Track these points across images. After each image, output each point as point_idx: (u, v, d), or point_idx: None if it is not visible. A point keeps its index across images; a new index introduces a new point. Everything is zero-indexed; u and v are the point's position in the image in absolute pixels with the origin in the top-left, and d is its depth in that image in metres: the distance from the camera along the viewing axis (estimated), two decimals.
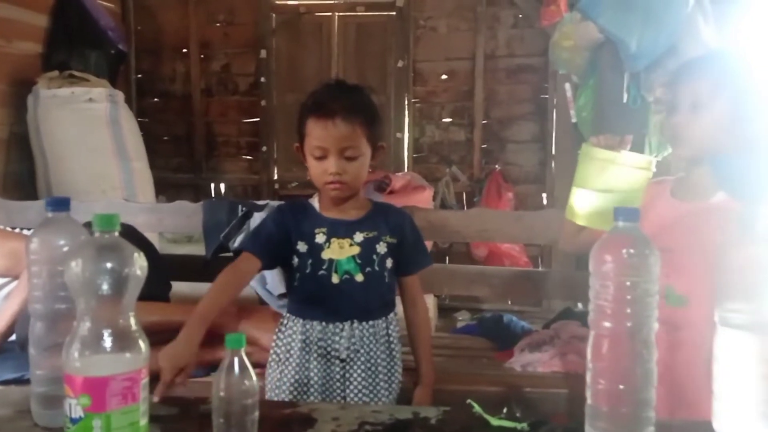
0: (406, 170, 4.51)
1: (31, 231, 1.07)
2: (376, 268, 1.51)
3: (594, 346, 0.93)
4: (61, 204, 1.05)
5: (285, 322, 1.57)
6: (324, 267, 1.48)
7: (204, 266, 2.42)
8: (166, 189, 4.47)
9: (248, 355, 0.95)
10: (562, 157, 4.15)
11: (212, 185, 5.00)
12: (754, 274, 0.95)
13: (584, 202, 1.44)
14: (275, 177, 4.92)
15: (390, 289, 1.58)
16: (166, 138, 4.97)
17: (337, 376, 1.50)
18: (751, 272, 0.95)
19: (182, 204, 2.59)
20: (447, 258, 4.37)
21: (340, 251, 1.49)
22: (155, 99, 5.01)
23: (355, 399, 1.50)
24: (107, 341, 0.87)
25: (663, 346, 1.29)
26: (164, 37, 4.95)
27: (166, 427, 1.03)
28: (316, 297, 1.51)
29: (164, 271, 2.28)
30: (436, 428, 1.05)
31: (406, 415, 1.09)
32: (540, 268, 4.23)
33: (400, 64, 4.67)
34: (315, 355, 1.50)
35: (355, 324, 1.50)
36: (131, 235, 1.97)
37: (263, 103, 4.85)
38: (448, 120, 4.72)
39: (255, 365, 0.95)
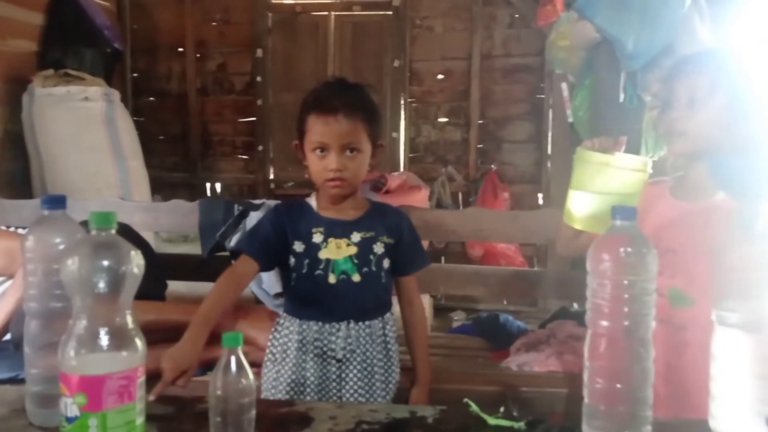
0: (401, 170, 4.51)
1: (27, 229, 1.06)
2: (373, 268, 1.51)
3: (591, 345, 0.93)
4: (57, 202, 1.04)
5: (281, 321, 1.56)
6: (321, 267, 1.48)
7: (200, 265, 2.42)
8: (161, 188, 4.47)
9: (244, 354, 0.94)
10: (558, 157, 4.16)
11: (208, 184, 5.00)
12: (751, 273, 0.95)
13: (581, 206, 1.43)
14: (271, 176, 4.91)
15: (387, 290, 1.57)
16: (161, 137, 4.97)
17: (334, 376, 1.50)
18: (747, 271, 0.95)
19: (178, 203, 2.58)
20: (443, 258, 4.38)
21: (337, 251, 1.49)
22: (151, 98, 5.01)
23: (351, 399, 1.49)
24: (103, 340, 0.86)
25: (669, 346, 1.29)
26: (160, 36, 4.95)
27: (162, 425, 1.02)
28: (312, 297, 1.50)
29: (160, 270, 2.28)
30: (433, 427, 1.04)
31: (403, 414, 1.09)
32: (535, 268, 4.24)
33: (396, 63, 4.67)
34: (311, 355, 1.50)
35: (352, 324, 1.50)
36: (127, 233, 1.94)
37: (259, 102, 4.85)
38: (444, 120, 4.73)
39: (251, 364, 0.95)
